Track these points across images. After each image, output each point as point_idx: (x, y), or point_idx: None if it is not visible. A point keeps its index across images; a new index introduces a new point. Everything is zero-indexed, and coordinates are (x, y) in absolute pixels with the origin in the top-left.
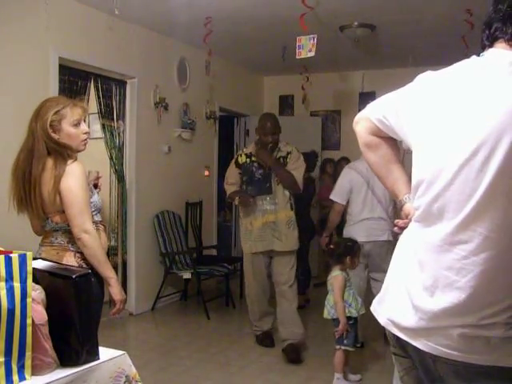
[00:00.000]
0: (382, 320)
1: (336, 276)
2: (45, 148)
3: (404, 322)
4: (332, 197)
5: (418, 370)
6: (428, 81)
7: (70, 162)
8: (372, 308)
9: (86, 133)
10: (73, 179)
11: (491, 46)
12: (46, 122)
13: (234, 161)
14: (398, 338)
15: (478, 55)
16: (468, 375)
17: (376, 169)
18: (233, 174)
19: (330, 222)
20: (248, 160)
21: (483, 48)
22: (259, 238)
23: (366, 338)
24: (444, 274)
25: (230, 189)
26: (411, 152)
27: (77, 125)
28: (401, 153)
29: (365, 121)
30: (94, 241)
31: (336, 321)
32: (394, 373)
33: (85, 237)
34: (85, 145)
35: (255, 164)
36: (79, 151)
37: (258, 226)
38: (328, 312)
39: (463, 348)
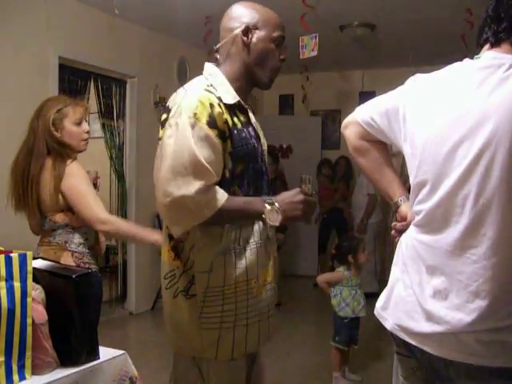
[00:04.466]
0: (389, 325)
1: (336, 270)
2: (45, 147)
3: (415, 327)
4: (371, 191)
5: (423, 370)
6: (421, 83)
7: (69, 161)
8: (376, 313)
9: (87, 132)
10: (74, 178)
11: (498, 44)
12: (49, 120)
13: (199, 124)
14: (405, 341)
15: (472, 57)
16: (480, 376)
17: (368, 173)
18: (211, 160)
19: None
20: (237, 121)
21: (481, 45)
22: (267, 310)
23: (368, 337)
24: (456, 278)
25: (215, 199)
26: (397, 154)
27: (79, 124)
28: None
29: (353, 125)
30: (112, 227)
31: (336, 318)
32: (394, 372)
33: (102, 227)
34: (86, 144)
35: (250, 130)
36: (80, 151)
37: (270, 280)
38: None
39: (479, 352)
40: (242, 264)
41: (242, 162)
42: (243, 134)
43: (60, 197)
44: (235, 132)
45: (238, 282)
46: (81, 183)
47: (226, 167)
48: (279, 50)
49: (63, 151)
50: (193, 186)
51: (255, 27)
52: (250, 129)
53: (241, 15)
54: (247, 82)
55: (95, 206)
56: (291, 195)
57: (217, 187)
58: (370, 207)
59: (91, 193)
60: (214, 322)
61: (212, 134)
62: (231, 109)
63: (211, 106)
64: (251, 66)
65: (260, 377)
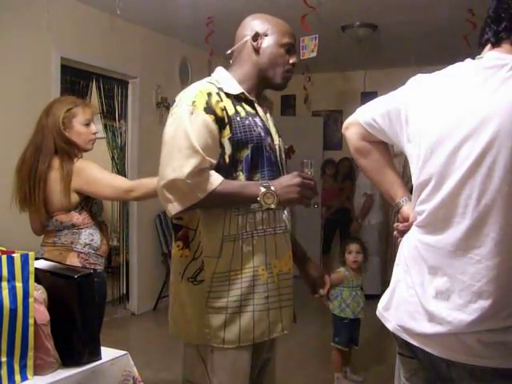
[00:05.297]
0: (391, 326)
1: (336, 271)
2: (53, 145)
3: (417, 328)
4: (368, 191)
5: (426, 370)
6: (422, 83)
7: (75, 160)
8: (378, 313)
9: (94, 133)
10: (85, 172)
11: (498, 44)
12: (59, 118)
13: (197, 111)
14: (407, 342)
15: (474, 58)
16: (483, 377)
17: (369, 174)
18: (207, 144)
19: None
20: (241, 110)
21: (483, 45)
22: (279, 300)
23: (370, 338)
24: (459, 278)
25: (208, 182)
26: (399, 155)
27: (87, 124)
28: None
29: (355, 126)
30: (142, 190)
31: (335, 318)
32: (396, 373)
33: (133, 195)
34: (92, 144)
35: (257, 120)
36: (86, 150)
37: (286, 271)
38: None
39: (481, 353)
40: (248, 250)
41: (243, 148)
42: (247, 122)
43: (74, 195)
44: (237, 119)
45: (244, 269)
46: (94, 172)
47: (226, 153)
48: (289, 55)
49: (70, 150)
50: (185, 169)
51: (265, 34)
52: (257, 120)
53: (252, 24)
54: (259, 82)
55: (115, 182)
56: (288, 178)
57: (212, 171)
58: (366, 207)
59: (106, 173)
60: (220, 307)
61: (209, 119)
62: (235, 99)
63: (209, 94)
64: (263, 68)
65: (271, 379)
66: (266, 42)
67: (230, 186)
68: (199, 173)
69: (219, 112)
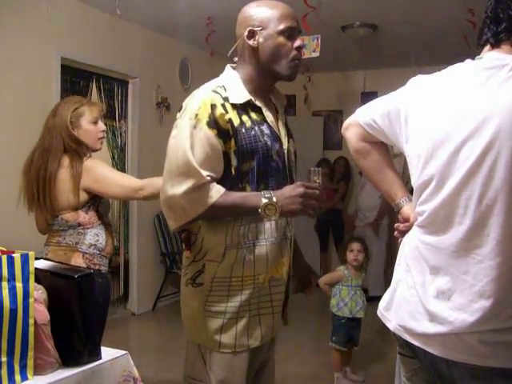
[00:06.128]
0: (392, 326)
1: (336, 269)
2: (62, 145)
3: (418, 328)
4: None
5: (426, 371)
6: (423, 84)
7: (85, 159)
8: (379, 313)
9: (102, 131)
10: (94, 170)
11: (498, 45)
12: (66, 118)
13: (200, 125)
14: (407, 342)
15: (474, 58)
16: (485, 376)
17: (369, 174)
18: (208, 159)
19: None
20: (247, 119)
21: (482, 45)
22: (271, 306)
23: (370, 338)
24: (461, 278)
25: (208, 196)
26: (399, 155)
27: (95, 122)
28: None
29: (354, 127)
30: (153, 188)
31: (334, 317)
32: (396, 373)
33: (143, 193)
34: (101, 143)
35: (264, 128)
36: (95, 150)
37: (277, 277)
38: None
39: (483, 353)
40: (250, 259)
41: (249, 160)
42: (252, 132)
43: (83, 194)
44: (242, 130)
45: (246, 276)
46: (103, 171)
47: (232, 165)
48: (291, 41)
49: (80, 149)
50: (183, 186)
51: (260, 27)
52: (264, 127)
53: (246, 19)
54: (266, 80)
55: (124, 181)
56: (291, 189)
57: (212, 184)
58: (383, 209)
59: (115, 172)
60: (218, 312)
61: (211, 133)
62: (241, 108)
63: (213, 106)
64: (266, 64)
65: (269, 379)
66: (264, 36)
67: (230, 198)
68: (198, 188)
69: (223, 125)
